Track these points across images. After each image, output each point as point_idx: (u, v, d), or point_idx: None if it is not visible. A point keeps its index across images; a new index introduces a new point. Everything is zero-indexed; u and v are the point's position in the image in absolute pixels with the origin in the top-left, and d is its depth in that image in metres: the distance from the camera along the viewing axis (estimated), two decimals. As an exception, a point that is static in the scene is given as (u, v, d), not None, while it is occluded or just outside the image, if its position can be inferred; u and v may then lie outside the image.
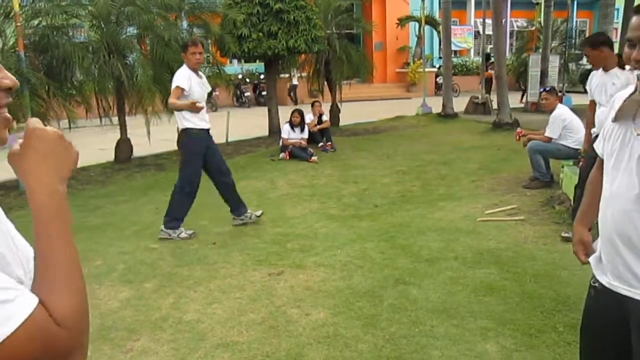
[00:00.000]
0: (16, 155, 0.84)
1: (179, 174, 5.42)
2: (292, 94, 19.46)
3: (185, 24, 10.91)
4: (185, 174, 5.34)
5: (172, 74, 9.45)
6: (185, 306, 3.81)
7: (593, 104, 4.85)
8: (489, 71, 16.32)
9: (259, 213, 5.72)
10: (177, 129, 5.40)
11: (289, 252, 4.78)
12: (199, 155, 5.29)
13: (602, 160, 1.74)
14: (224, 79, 11.06)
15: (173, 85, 5.15)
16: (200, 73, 5.38)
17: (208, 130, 5.35)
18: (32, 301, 0.73)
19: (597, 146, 1.78)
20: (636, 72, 1.50)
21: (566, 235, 4.83)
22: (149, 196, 7.19)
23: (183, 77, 5.12)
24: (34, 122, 0.86)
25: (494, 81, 14.44)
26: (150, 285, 4.20)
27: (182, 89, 5.08)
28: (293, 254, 4.72)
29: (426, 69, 17.69)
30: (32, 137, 0.84)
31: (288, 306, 3.71)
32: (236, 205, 5.64)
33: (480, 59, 17.06)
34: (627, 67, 1.55)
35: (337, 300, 3.79)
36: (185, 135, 5.25)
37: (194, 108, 5.10)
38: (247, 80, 20.97)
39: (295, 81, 17.95)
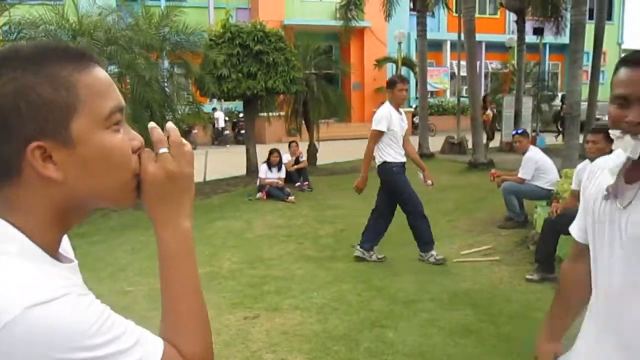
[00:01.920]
0: (146, 193, 0.82)
1: (401, 207, 5.67)
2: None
3: (166, 63, 11.02)
4: (404, 201, 5.62)
5: (152, 113, 9.62)
6: (158, 352, 3.73)
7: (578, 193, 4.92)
8: (486, 113, 16.19)
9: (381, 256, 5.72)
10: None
11: (265, 295, 4.73)
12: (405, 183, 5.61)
13: (578, 248, 1.56)
14: (202, 117, 11.12)
15: (373, 127, 5.43)
16: (400, 110, 5.67)
17: (404, 163, 5.63)
18: (159, 342, 0.75)
19: (573, 230, 1.59)
20: (626, 137, 1.28)
21: (530, 277, 4.89)
22: (125, 236, 7.10)
23: (383, 118, 5.41)
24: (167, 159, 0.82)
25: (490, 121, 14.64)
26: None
27: (381, 132, 5.40)
28: (269, 297, 4.68)
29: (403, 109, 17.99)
30: (169, 175, 0.82)
31: (264, 351, 3.66)
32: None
33: (456, 100, 17.43)
34: (613, 131, 1.34)
35: (313, 344, 3.75)
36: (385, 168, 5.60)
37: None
38: (227, 118, 21.10)
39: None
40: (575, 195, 4.95)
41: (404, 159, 5.59)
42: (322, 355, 3.58)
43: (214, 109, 20.04)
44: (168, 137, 0.83)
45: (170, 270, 0.83)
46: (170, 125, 0.84)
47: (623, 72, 1.30)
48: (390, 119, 5.39)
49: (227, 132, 20.52)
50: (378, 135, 5.41)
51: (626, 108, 1.28)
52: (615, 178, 1.35)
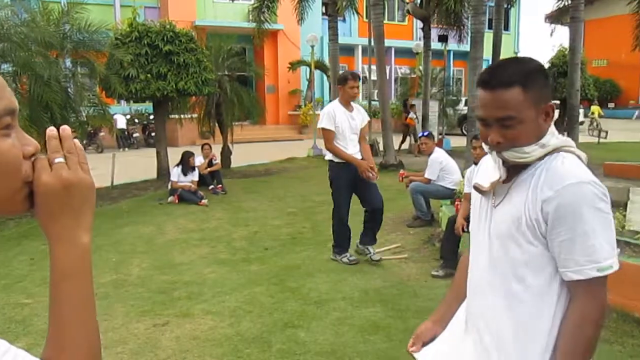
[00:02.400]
0: (39, 204, 0.76)
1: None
2: None
3: (68, 62, 10.45)
4: (333, 199, 5.65)
5: (52, 114, 9.09)
6: (59, 365, 3.53)
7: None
8: (410, 117, 16.70)
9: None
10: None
11: (176, 301, 4.62)
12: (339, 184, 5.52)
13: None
14: (108, 120, 10.66)
15: (319, 126, 5.30)
16: (353, 104, 5.44)
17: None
18: None
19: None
20: (493, 153, 1.45)
21: (435, 273, 5.13)
22: (23, 245, 6.65)
23: (325, 115, 5.30)
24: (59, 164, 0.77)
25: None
26: (21, 344, 3.85)
27: (330, 131, 5.22)
28: (180, 303, 4.57)
29: (317, 112, 18.24)
30: (62, 184, 0.76)
31: (173, 358, 3.57)
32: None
33: (367, 103, 17.89)
34: (484, 146, 1.49)
35: (225, 348, 3.71)
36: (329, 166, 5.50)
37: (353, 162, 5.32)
38: (136, 120, 20.36)
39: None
40: (469, 198, 5.25)
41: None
42: (234, 359, 3.55)
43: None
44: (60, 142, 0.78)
45: (62, 291, 0.76)
46: (64, 130, 0.79)
47: (480, 93, 1.42)
48: (333, 115, 5.25)
49: (136, 134, 19.79)
50: (326, 133, 5.26)
51: (488, 127, 1.41)
52: (498, 175, 1.47)
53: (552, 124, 1.45)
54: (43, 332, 4.07)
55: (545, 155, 1.40)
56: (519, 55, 33.84)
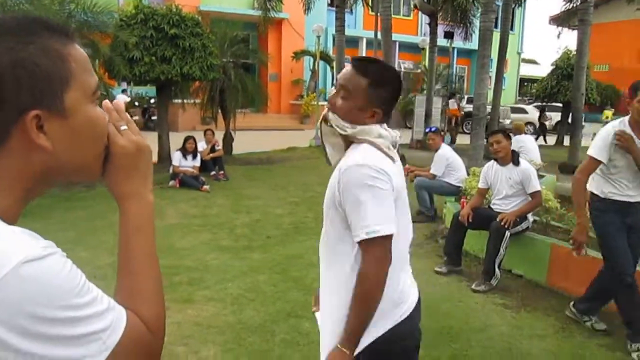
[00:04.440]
0: (115, 165, 0.86)
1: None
2: None
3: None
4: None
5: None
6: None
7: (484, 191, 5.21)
8: (454, 108, 16.53)
9: None
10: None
11: (176, 286, 4.57)
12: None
13: None
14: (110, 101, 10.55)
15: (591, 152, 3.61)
16: None
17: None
18: (122, 308, 0.76)
19: None
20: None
21: (439, 270, 5.10)
22: (20, 226, 6.58)
23: (603, 144, 3.58)
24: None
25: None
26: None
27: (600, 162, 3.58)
28: (181, 288, 4.52)
29: (319, 102, 18.14)
30: (132, 149, 0.87)
31: (175, 344, 3.52)
32: None
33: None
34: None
35: (227, 336, 3.67)
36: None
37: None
38: (136, 104, 20.22)
39: None
40: (482, 192, 5.21)
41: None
42: (236, 347, 3.51)
43: (124, 90, 19.17)
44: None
45: (133, 242, 0.85)
46: (117, 104, 0.89)
47: (347, 66, 1.78)
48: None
49: (135, 117, 19.66)
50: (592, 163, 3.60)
51: (334, 93, 1.76)
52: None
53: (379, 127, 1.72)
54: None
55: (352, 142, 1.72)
56: (522, 56, 33.85)
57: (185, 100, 12.78)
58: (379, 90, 1.68)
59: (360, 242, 1.60)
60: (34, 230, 0.73)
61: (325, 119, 1.74)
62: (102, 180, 0.88)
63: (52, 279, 0.67)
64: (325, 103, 1.80)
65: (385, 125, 1.76)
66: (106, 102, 0.87)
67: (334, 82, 1.99)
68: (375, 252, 1.60)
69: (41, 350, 0.66)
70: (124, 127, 0.87)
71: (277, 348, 3.51)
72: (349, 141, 1.73)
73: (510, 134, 5.20)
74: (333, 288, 1.74)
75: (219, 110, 12.59)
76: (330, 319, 1.74)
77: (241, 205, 7.78)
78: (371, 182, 1.58)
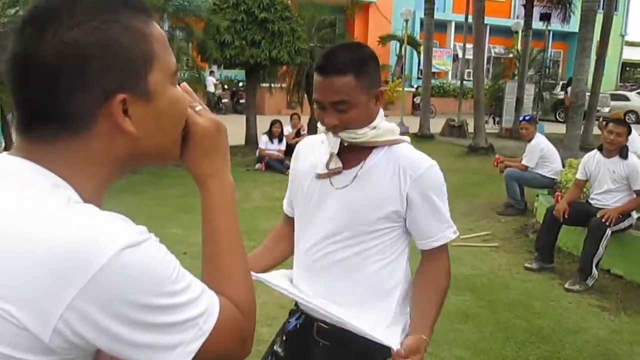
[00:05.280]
0: (196, 146, 0.84)
1: None
2: None
3: (166, 26, 10.76)
4: None
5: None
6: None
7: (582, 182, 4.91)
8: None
9: None
10: None
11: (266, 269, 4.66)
12: None
13: (287, 218, 1.89)
14: (203, 83, 10.94)
15: None
16: None
17: None
18: (215, 295, 0.75)
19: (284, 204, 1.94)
20: (329, 134, 1.53)
21: (529, 266, 4.86)
22: (117, 199, 6.98)
23: None
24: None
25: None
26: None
27: None
28: (269, 270, 4.61)
29: (405, 88, 17.85)
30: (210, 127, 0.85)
31: (259, 324, 3.58)
32: None
33: (458, 82, 17.29)
34: (320, 126, 1.56)
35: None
36: None
37: None
38: (225, 87, 20.82)
39: None
40: (579, 184, 4.90)
41: None
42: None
43: (212, 72, 19.75)
44: None
45: (217, 223, 0.83)
46: (185, 86, 0.85)
47: (315, 77, 1.49)
48: None
49: (225, 100, 20.27)
50: None
51: (324, 110, 1.48)
52: (332, 161, 1.55)
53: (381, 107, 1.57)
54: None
55: (386, 144, 1.55)
56: (626, 39, 31.43)
57: (272, 85, 13.01)
58: (366, 73, 1.49)
59: (432, 249, 1.59)
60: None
61: (343, 140, 1.53)
62: (180, 163, 0.86)
63: (151, 265, 0.66)
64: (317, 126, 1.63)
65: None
66: (184, 84, 0.85)
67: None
68: (446, 250, 1.62)
69: (142, 338, 0.66)
70: (199, 107, 0.85)
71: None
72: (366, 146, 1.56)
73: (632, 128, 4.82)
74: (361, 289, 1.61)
75: (305, 95, 12.70)
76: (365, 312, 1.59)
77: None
78: (443, 182, 1.59)
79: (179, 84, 0.82)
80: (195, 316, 0.69)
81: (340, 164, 1.56)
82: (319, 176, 1.60)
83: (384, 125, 1.56)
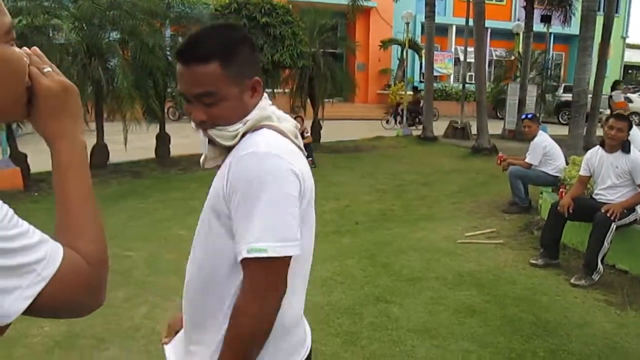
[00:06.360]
0: (41, 106, 0.84)
1: None
2: None
3: (168, 32, 10.83)
4: None
5: (155, 80, 9.45)
6: (159, 316, 3.68)
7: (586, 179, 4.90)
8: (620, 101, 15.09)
9: None
10: None
11: (268, 266, 4.67)
12: None
13: None
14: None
15: None
16: None
17: None
18: (58, 243, 0.76)
19: None
20: (200, 131, 1.31)
21: (534, 262, 4.85)
22: (123, 204, 7.01)
23: None
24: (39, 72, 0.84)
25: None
26: (121, 294, 4.05)
27: None
28: (272, 268, 4.62)
29: (407, 92, 17.87)
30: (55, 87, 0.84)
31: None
32: None
33: (460, 85, 17.29)
34: (192, 124, 1.33)
35: (316, 316, 3.69)
36: None
37: None
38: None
39: None
40: (583, 181, 4.90)
41: None
42: (325, 327, 3.54)
43: None
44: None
45: (68, 181, 0.84)
46: (35, 50, 0.86)
47: (178, 67, 1.27)
48: None
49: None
50: None
51: (191, 104, 1.27)
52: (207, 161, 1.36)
53: (264, 97, 1.34)
54: (143, 283, 4.27)
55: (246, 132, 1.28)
56: (627, 41, 31.42)
57: (274, 90, 13.05)
58: (237, 60, 1.25)
59: (243, 260, 1.19)
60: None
61: (210, 138, 1.31)
62: (29, 122, 0.86)
63: None
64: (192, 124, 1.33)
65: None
66: (34, 48, 0.85)
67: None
68: (261, 267, 1.19)
69: None
70: (47, 69, 0.84)
71: (366, 330, 3.50)
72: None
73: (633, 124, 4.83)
74: (209, 319, 1.31)
75: (308, 99, 12.74)
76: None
77: (329, 192, 7.83)
78: (262, 176, 1.18)
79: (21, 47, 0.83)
80: (32, 262, 0.70)
81: (218, 162, 1.34)
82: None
83: (253, 116, 1.29)
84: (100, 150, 9.46)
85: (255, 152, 1.20)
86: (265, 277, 1.20)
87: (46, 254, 0.72)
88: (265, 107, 1.32)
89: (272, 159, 1.20)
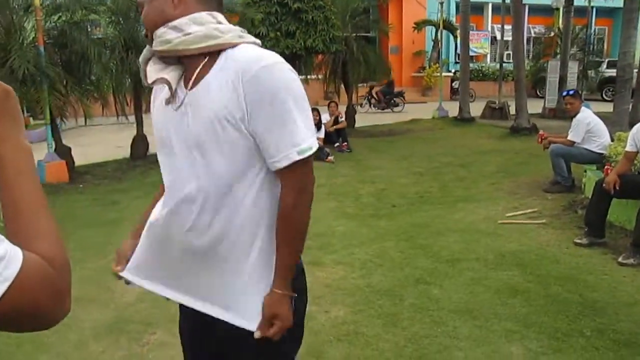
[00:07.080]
0: None
1: None
2: None
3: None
4: None
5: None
6: (202, 300, 3.74)
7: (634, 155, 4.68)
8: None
9: None
10: None
11: (307, 250, 4.63)
12: None
13: None
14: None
15: None
16: None
17: None
18: (17, 247, 0.71)
19: None
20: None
21: (579, 241, 4.72)
22: (164, 192, 7.15)
23: None
24: None
25: None
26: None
27: None
28: (311, 252, 4.64)
29: (443, 74, 17.59)
30: None
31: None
32: None
33: (497, 65, 16.90)
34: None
35: (356, 298, 3.71)
36: None
37: None
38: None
39: None
40: (630, 157, 4.73)
41: None
42: (366, 309, 3.54)
43: None
44: None
45: (16, 186, 0.79)
46: None
47: None
48: None
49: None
50: None
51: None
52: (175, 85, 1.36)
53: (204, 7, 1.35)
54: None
55: (208, 50, 1.30)
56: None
57: (308, 76, 13.05)
58: None
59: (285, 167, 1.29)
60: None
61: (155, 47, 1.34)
62: None
63: None
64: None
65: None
66: None
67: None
68: (299, 167, 1.30)
69: None
70: None
71: (407, 312, 3.49)
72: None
73: None
74: (220, 236, 1.38)
75: (342, 84, 12.68)
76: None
77: (365, 175, 7.81)
78: (294, 85, 1.30)
79: None
80: None
81: (160, 76, 1.35)
82: (166, 100, 1.41)
83: (199, 31, 1.31)
84: (141, 141, 9.67)
85: (267, 66, 1.27)
86: (309, 171, 1.34)
87: (5, 253, 0.66)
88: (201, 18, 1.34)
89: (284, 67, 1.29)
